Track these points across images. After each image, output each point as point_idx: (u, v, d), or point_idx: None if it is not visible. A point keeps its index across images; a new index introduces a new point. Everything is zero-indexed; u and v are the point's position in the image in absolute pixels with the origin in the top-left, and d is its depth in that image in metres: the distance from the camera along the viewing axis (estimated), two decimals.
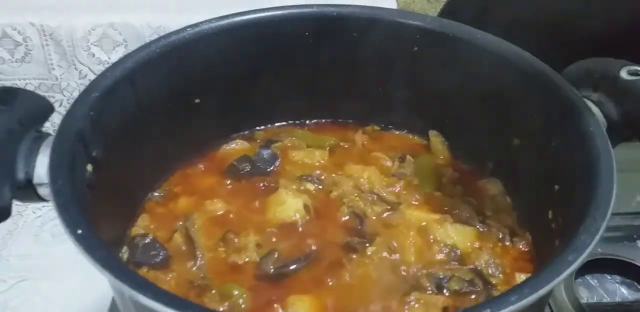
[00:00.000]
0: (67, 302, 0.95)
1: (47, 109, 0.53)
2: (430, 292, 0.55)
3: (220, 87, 0.70)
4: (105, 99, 0.55)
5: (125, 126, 0.59)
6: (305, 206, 0.65)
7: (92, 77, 1.14)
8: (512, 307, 0.34)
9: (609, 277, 0.80)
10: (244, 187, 0.69)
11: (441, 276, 0.56)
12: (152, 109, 0.64)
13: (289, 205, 0.65)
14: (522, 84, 0.62)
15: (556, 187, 0.56)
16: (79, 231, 0.39)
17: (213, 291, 0.56)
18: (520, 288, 0.36)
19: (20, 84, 1.15)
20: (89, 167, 0.51)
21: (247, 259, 0.59)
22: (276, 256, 0.59)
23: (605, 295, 0.79)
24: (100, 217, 0.50)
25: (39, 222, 1.12)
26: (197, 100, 0.70)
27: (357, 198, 0.66)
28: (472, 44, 0.66)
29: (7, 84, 1.15)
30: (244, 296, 0.55)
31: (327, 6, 0.70)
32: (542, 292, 0.35)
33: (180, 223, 0.63)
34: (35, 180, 0.47)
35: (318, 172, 0.70)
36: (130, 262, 0.59)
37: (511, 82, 0.63)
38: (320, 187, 0.68)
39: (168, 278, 0.57)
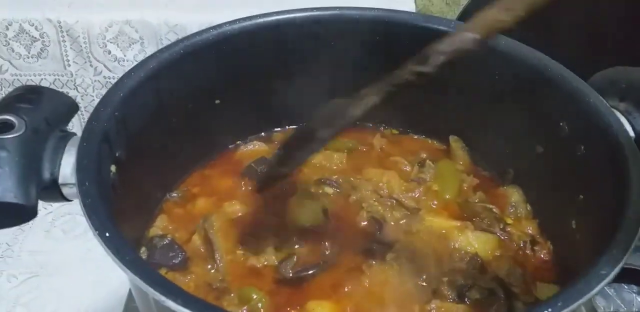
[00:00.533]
0: (78, 298, 0.96)
1: (72, 107, 0.53)
2: (451, 300, 0.55)
3: (240, 88, 0.70)
4: (129, 99, 0.55)
5: (147, 126, 0.59)
6: (324, 210, 0.65)
7: (107, 74, 1.15)
8: None
9: (626, 287, 0.80)
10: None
11: (462, 284, 0.56)
12: (173, 110, 0.64)
13: (308, 209, 0.64)
14: (547, 92, 0.61)
15: (581, 196, 0.55)
16: (107, 234, 0.39)
17: (232, 294, 0.56)
18: (553, 302, 0.35)
19: (35, 79, 1.15)
20: (113, 168, 0.50)
21: (265, 263, 0.59)
22: (295, 260, 0.59)
23: (622, 305, 0.78)
24: (121, 217, 0.50)
25: (50, 218, 1.12)
26: (217, 101, 0.70)
27: (376, 203, 0.65)
28: (496, 50, 0.65)
29: (23, 79, 1.15)
30: (263, 300, 0.55)
31: (350, 9, 0.70)
32: (574, 306, 0.35)
33: (199, 224, 0.63)
34: (61, 180, 0.47)
35: (336, 176, 0.70)
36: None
37: (535, 89, 0.63)
38: (339, 191, 0.68)
39: (187, 280, 0.57)
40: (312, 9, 0.70)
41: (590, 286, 0.36)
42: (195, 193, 0.69)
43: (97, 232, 0.39)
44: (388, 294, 0.56)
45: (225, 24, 0.66)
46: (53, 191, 0.47)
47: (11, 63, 1.13)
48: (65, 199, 0.49)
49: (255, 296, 0.55)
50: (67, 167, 0.47)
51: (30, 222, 1.10)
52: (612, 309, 0.78)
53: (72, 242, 1.07)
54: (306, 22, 0.69)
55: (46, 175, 0.46)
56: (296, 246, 0.61)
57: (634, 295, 0.79)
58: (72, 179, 0.46)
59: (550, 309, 0.35)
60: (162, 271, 0.58)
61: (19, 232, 1.08)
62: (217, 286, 0.57)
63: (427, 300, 0.55)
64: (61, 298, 0.96)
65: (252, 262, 0.59)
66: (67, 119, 0.53)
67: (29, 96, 0.50)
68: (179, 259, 0.59)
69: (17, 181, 0.43)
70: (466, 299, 0.55)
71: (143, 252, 0.60)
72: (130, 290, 0.84)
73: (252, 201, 0.67)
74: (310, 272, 0.58)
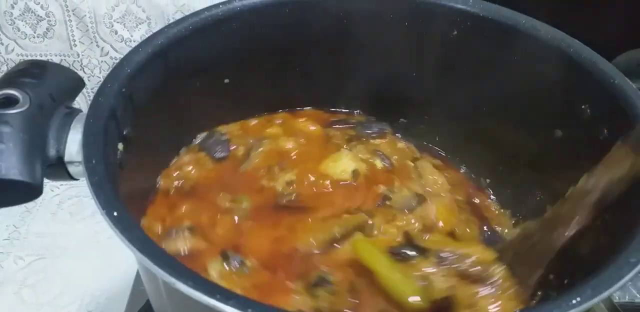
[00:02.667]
0: (85, 281, 0.95)
1: (78, 83, 0.52)
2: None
3: (249, 68, 0.68)
4: (136, 76, 0.53)
5: (154, 103, 0.57)
6: (355, 172, 0.66)
7: (114, 54, 1.13)
8: (573, 311, 0.32)
9: None
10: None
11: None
12: (180, 87, 0.62)
13: (341, 164, 0.66)
14: (568, 73, 0.59)
15: None
16: (115, 213, 0.37)
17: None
18: (583, 289, 0.34)
19: (42, 59, 1.14)
20: (120, 146, 0.49)
21: (272, 185, 0.64)
22: (294, 197, 0.63)
23: (637, 295, 0.77)
24: (129, 198, 0.49)
25: (57, 200, 1.11)
26: (226, 80, 0.68)
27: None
28: (516, 29, 0.63)
29: (29, 59, 1.14)
30: (246, 205, 0.62)
31: None
32: (605, 294, 0.33)
33: (253, 141, 0.69)
34: (67, 158, 0.45)
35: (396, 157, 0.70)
36: (198, 145, 0.68)
37: (556, 70, 0.60)
38: (389, 169, 0.68)
39: (210, 167, 0.66)
40: None
41: (621, 274, 0.35)
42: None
43: (105, 211, 0.37)
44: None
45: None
46: (59, 169, 0.46)
47: (17, 43, 1.12)
48: (71, 177, 0.47)
49: (244, 203, 0.62)
50: (73, 145, 0.46)
51: (37, 205, 1.09)
52: (627, 299, 0.77)
53: (79, 224, 1.06)
54: None
55: (52, 152, 0.45)
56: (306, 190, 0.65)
57: None
58: (79, 157, 0.45)
59: (579, 298, 0.33)
60: (201, 154, 0.67)
61: (25, 214, 1.08)
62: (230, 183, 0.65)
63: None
64: (68, 280, 0.95)
65: (264, 182, 0.64)
66: (73, 96, 0.51)
67: (33, 71, 0.48)
68: (222, 154, 0.68)
69: (22, 158, 0.41)
70: None
71: (200, 136, 0.69)
72: (137, 272, 0.83)
73: (310, 142, 0.71)
74: (296, 205, 0.62)
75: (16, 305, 0.91)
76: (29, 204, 1.10)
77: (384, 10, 0.67)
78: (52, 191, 1.12)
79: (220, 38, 0.63)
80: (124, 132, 0.50)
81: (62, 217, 1.07)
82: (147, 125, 0.55)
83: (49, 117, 0.46)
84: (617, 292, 0.77)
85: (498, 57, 0.64)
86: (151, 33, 1.12)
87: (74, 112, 0.49)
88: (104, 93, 0.48)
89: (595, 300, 0.33)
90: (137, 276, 0.82)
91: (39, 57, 1.14)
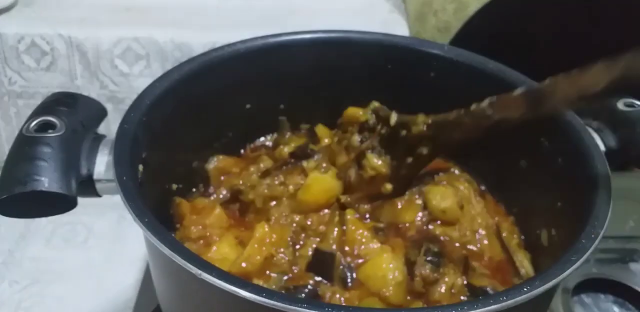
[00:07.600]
0: (79, 304, 0.98)
1: (102, 113, 0.59)
2: None
3: (239, 101, 0.76)
4: (154, 106, 0.60)
5: (165, 130, 0.64)
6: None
7: (112, 88, 1.20)
8: (523, 296, 0.40)
9: (602, 297, 0.85)
10: None
11: None
12: (187, 116, 0.69)
13: None
14: None
15: (559, 204, 0.62)
16: (146, 219, 0.44)
17: None
18: (531, 281, 0.41)
19: (43, 91, 1.20)
20: (140, 168, 0.55)
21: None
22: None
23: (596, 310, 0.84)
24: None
25: (51, 227, 1.14)
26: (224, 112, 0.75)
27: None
28: (485, 72, 0.72)
29: (31, 91, 1.20)
30: None
31: (354, 32, 0.77)
32: (549, 285, 0.40)
33: None
34: (96, 176, 0.52)
35: None
36: None
37: None
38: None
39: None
40: (315, 32, 0.76)
41: (562, 269, 0.42)
42: None
43: (138, 218, 0.44)
44: None
45: (237, 43, 0.72)
46: (88, 186, 0.52)
47: (20, 75, 1.18)
48: (97, 194, 0.54)
49: None
50: (101, 166, 0.53)
51: (31, 231, 1.13)
52: None
53: (72, 250, 1.09)
54: (309, 44, 0.76)
55: (84, 171, 0.51)
56: None
57: (610, 304, 0.86)
58: (106, 176, 0.52)
59: (528, 287, 0.40)
60: None
61: (20, 240, 1.11)
62: None
63: None
64: (62, 304, 0.98)
65: None
66: (98, 123, 0.58)
67: (66, 100, 0.56)
68: None
69: (61, 174, 0.48)
70: None
71: None
72: (137, 295, 0.87)
73: None
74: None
75: None
76: (24, 230, 1.13)
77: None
78: (47, 218, 1.16)
79: (224, 74, 0.71)
80: (143, 156, 0.57)
81: (56, 244, 1.11)
82: (160, 149, 0.62)
83: (81, 141, 0.53)
84: (580, 311, 0.84)
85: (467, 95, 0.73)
86: (150, 68, 1.21)
87: (100, 138, 0.55)
88: (129, 120, 0.55)
89: (541, 289, 0.40)
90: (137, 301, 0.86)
91: (41, 89, 1.20)
